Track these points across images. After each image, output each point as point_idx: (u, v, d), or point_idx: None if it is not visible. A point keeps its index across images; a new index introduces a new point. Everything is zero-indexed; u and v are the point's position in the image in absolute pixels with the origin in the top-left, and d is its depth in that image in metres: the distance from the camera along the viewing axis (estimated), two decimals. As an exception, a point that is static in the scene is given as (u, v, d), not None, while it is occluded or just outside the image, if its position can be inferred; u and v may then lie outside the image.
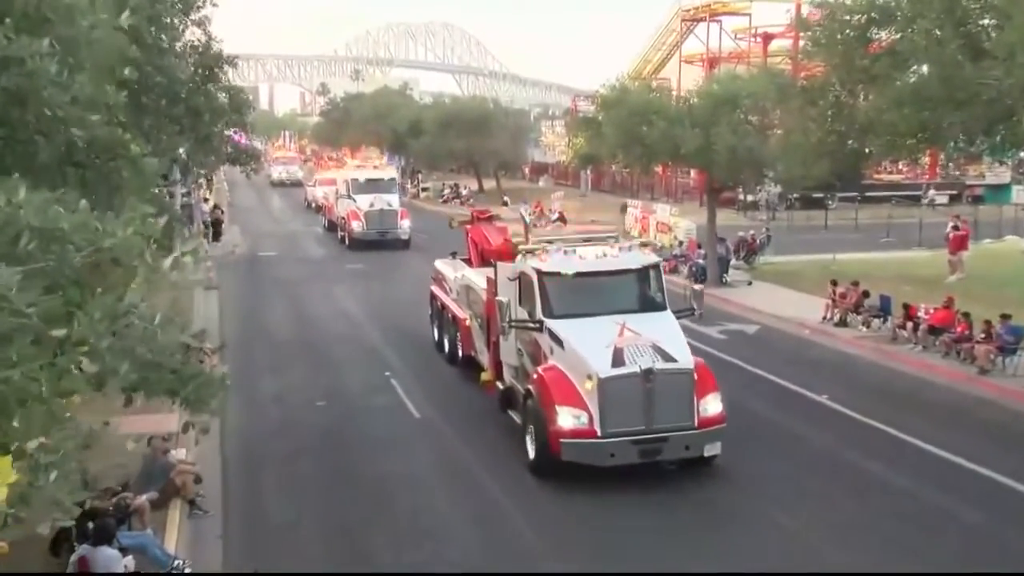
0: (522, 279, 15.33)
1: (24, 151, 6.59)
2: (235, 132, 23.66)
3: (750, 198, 49.74)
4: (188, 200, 31.45)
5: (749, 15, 64.90)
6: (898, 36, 19.73)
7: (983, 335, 19.56)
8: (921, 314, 21.92)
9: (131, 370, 5.41)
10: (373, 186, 41.08)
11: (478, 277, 18.78)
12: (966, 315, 20.68)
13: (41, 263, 5.05)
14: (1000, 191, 56.92)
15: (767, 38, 64.63)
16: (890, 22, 19.92)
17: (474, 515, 13.14)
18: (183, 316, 18.40)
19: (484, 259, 19.62)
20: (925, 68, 19.59)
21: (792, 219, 47.57)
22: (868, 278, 25.93)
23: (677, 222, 40.32)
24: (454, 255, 22.87)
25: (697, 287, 16.06)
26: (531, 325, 14.86)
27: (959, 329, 20.48)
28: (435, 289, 22.37)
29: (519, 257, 15.50)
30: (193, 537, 12.32)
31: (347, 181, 42.31)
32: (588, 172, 63.54)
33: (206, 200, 43.04)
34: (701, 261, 30.95)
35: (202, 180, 36.69)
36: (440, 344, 21.70)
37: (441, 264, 22.70)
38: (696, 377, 13.85)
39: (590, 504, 13.18)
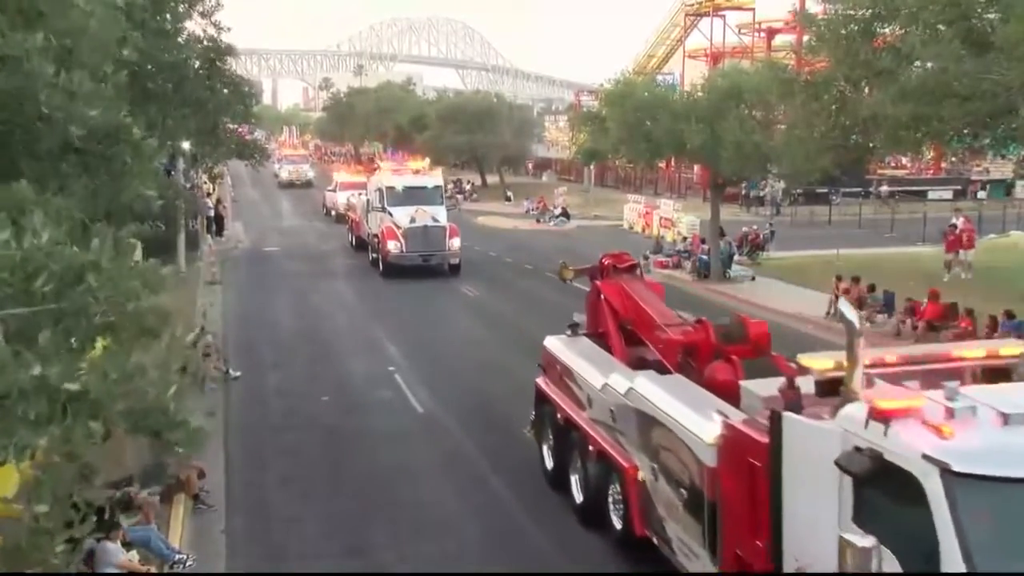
0: (891, 481, 6.80)
1: (24, 138, 6.57)
2: (239, 126, 23.68)
3: (754, 194, 49.80)
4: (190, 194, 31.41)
5: (753, 9, 64.93)
6: (902, 31, 19.74)
7: (986, 331, 19.53)
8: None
9: (127, 423, 5.28)
10: (413, 196, 33.26)
11: (679, 407, 10.02)
12: (969, 311, 20.65)
13: (54, 304, 4.81)
14: (1001, 187, 56.89)
15: (771, 33, 64.64)
16: (894, 17, 19.91)
17: (476, 510, 13.13)
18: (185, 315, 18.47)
19: (628, 336, 13.18)
20: (930, 64, 19.60)
21: (795, 215, 47.58)
22: (872, 274, 25.88)
23: (680, 217, 40.43)
24: (574, 329, 14.15)
25: None
26: None
27: (962, 325, 20.45)
28: (548, 388, 13.78)
29: (863, 417, 7.06)
30: (196, 532, 12.36)
31: (381, 190, 33.99)
32: (591, 167, 63.47)
33: (209, 195, 43.00)
34: (705, 256, 30.99)
35: (205, 178, 36.60)
36: (557, 478, 13.39)
37: (560, 347, 13.74)
38: None
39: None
